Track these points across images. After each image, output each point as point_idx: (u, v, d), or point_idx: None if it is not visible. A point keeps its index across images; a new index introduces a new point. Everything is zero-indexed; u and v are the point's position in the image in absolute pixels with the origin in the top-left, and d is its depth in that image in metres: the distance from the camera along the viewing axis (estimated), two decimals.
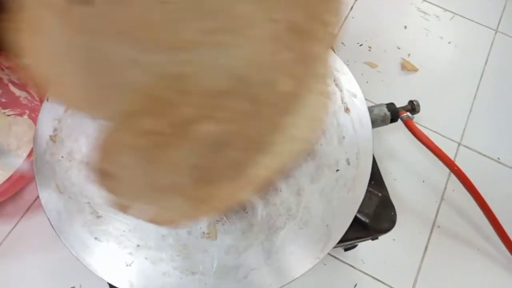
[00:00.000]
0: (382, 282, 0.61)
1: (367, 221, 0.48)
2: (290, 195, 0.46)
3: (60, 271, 0.58)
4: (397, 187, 0.68)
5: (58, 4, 0.23)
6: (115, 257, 0.42)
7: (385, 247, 0.62)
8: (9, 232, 0.60)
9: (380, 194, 0.50)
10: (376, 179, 0.51)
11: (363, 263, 0.62)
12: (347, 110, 0.51)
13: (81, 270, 0.42)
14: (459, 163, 0.59)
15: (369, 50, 0.82)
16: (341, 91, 0.52)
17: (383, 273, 0.62)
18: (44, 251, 0.59)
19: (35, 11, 0.24)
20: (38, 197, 0.46)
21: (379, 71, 0.80)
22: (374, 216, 0.48)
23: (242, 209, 0.45)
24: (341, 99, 0.52)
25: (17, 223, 0.60)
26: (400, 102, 0.65)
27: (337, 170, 0.48)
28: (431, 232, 0.66)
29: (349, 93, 0.52)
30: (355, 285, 0.61)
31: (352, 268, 0.62)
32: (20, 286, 0.58)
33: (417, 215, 0.67)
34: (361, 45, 0.82)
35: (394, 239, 0.64)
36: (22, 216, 0.61)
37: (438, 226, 0.66)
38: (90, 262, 0.42)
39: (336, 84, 0.52)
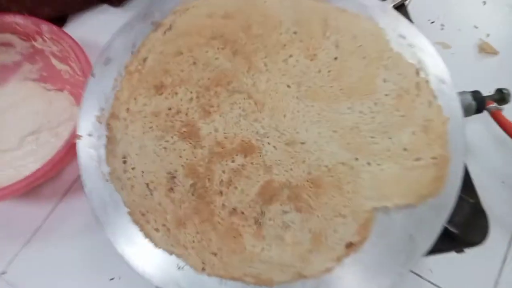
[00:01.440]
0: None
1: (456, 231, 0.40)
2: None
3: (99, 260, 0.55)
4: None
5: None
6: (165, 258, 0.37)
7: (457, 256, 0.54)
8: (47, 216, 0.57)
9: (471, 201, 0.42)
10: (465, 182, 0.43)
11: (431, 272, 0.55)
12: (434, 97, 0.43)
13: (122, 261, 0.37)
14: None
15: (442, 29, 0.71)
16: (427, 75, 0.44)
17: (454, 285, 0.54)
18: (84, 237, 0.56)
19: None
20: (78, 178, 0.42)
21: (452, 53, 0.70)
22: (465, 226, 0.41)
23: None
24: (427, 85, 0.43)
25: (55, 206, 0.57)
26: (479, 90, 0.56)
27: None
28: (511, 240, 0.57)
29: (436, 78, 0.44)
30: None
31: (418, 278, 0.55)
32: (57, 273, 0.55)
33: (495, 220, 0.58)
34: (432, 22, 0.72)
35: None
36: (61, 199, 0.58)
37: None
38: (138, 262, 0.37)
39: (421, 67, 0.44)
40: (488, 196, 0.60)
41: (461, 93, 0.53)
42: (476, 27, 0.72)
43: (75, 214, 0.57)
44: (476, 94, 0.53)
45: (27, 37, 0.55)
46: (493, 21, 0.72)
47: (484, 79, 0.67)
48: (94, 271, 0.55)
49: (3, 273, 0.56)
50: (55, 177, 0.58)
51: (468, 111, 0.52)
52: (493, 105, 0.53)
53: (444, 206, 0.39)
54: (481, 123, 0.63)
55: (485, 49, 0.70)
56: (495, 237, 0.58)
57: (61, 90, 0.60)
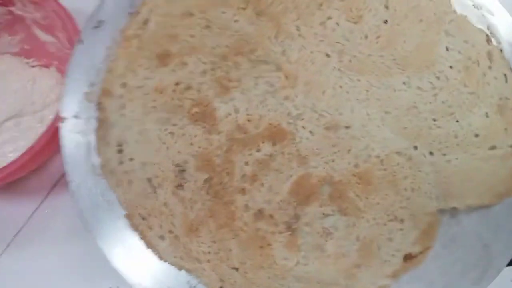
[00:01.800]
0: None
1: None
2: None
3: (93, 266, 0.47)
4: None
5: None
6: (173, 273, 0.30)
7: None
8: (31, 215, 0.50)
9: None
10: None
11: None
12: (511, 70, 0.35)
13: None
14: None
15: None
16: (499, 43, 0.36)
17: None
18: (74, 241, 0.49)
19: None
20: None
21: None
22: None
23: None
24: (501, 55, 0.35)
25: (39, 204, 0.50)
26: None
27: None
28: None
29: (511, 46, 0.36)
30: None
31: None
32: (42, 281, 0.48)
33: None
34: None
35: None
36: (47, 195, 0.51)
37: None
38: (139, 280, 0.30)
39: (491, 33, 0.36)
40: None
41: None
42: None
43: (63, 213, 0.50)
44: None
45: (2, 1, 0.47)
46: None
47: None
48: (87, 279, 0.48)
49: None
50: (39, 169, 0.51)
51: None
52: None
53: None
54: None
55: None
56: None
57: (47, 66, 0.53)
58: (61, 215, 0.50)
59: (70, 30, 0.44)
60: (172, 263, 0.30)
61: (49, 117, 0.50)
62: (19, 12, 0.49)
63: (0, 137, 0.49)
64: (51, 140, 0.41)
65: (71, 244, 0.49)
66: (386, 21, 0.36)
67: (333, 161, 0.32)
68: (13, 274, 0.48)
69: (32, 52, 0.52)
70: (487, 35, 0.36)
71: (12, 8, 0.48)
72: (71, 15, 0.46)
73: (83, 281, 0.48)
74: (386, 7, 0.36)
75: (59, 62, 0.52)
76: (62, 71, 0.52)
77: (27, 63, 0.52)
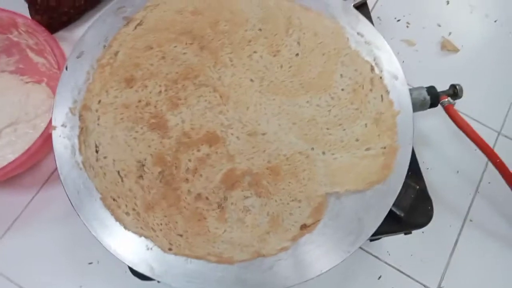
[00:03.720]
0: (408, 276, 0.59)
1: (402, 215, 0.44)
2: None
3: (78, 245, 0.57)
4: (430, 177, 0.64)
5: None
6: (135, 239, 0.40)
7: (412, 239, 0.58)
8: (27, 205, 0.59)
9: (417, 187, 0.46)
10: (413, 169, 0.47)
11: (389, 254, 0.60)
12: (386, 92, 0.46)
13: (100, 246, 0.40)
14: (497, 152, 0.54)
15: (407, 27, 0.75)
16: (381, 71, 0.47)
17: (409, 267, 0.59)
18: (63, 224, 0.59)
19: None
20: (56, 169, 0.44)
21: (416, 50, 0.74)
22: (410, 210, 0.45)
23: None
24: (380, 81, 0.47)
25: (34, 195, 0.59)
26: (438, 85, 0.60)
27: None
28: (462, 226, 0.62)
29: (390, 74, 0.48)
30: (379, 277, 0.58)
31: (376, 260, 0.59)
32: (37, 259, 0.57)
33: (449, 207, 0.63)
34: (398, 20, 0.76)
35: (423, 232, 0.59)
36: (40, 188, 0.60)
37: (471, 220, 0.63)
38: (110, 243, 0.40)
39: (376, 63, 0.48)
40: (444, 184, 0.65)
41: (417, 88, 0.57)
42: (439, 25, 0.76)
43: (54, 202, 0.59)
44: (431, 90, 0.57)
45: (2, 30, 0.56)
46: (455, 20, 0.77)
47: (445, 75, 0.72)
48: (74, 256, 0.58)
49: None
50: (35, 167, 0.60)
51: (423, 105, 0.56)
52: (446, 99, 0.57)
53: (391, 191, 0.43)
54: (440, 116, 0.67)
55: (446, 47, 0.74)
56: (448, 221, 0.63)
57: (38, 82, 0.61)
58: (52, 204, 0.59)
59: (57, 54, 0.54)
60: (134, 232, 0.40)
61: (41, 125, 0.59)
62: (16, 39, 0.57)
63: (0, 141, 0.57)
64: (43, 144, 0.50)
65: (60, 227, 0.58)
66: (297, 54, 0.47)
67: (252, 158, 0.42)
68: (14, 253, 0.57)
69: (26, 70, 0.61)
70: (371, 66, 0.47)
71: (10, 36, 0.57)
72: (58, 42, 0.56)
73: (69, 257, 0.57)
74: (298, 43, 0.47)
75: (48, 79, 0.61)
76: (51, 87, 0.61)
77: (22, 79, 0.61)
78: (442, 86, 0.61)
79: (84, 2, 0.62)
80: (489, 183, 0.65)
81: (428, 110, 0.60)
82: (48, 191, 0.60)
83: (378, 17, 0.75)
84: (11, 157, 0.55)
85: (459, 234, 0.62)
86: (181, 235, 0.41)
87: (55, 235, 0.58)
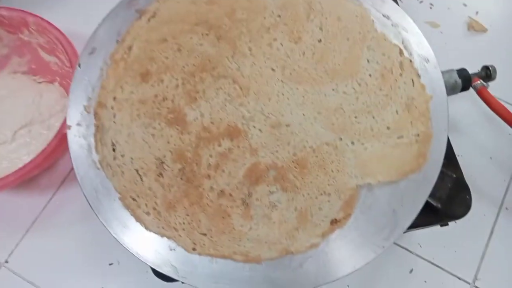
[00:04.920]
0: (441, 268, 0.56)
1: (439, 206, 0.42)
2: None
3: (98, 246, 0.56)
4: (462, 164, 0.60)
5: None
6: (157, 240, 0.39)
7: (445, 230, 0.55)
8: (45, 206, 0.58)
9: (454, 176, 0.43)
10: (449, 157, 0.44)
11: (420, 246, 0.57)
12: (417, 76, 0.43)
13: (120, 246, 0.39)
14: None
15: (431, 8, 0.72)
16: (410, 54, 0.44)
17: (442, 259, 0.56)
18: (82, 225, 0.58)
19: None
20: (73, 169, 0.43)
21: (441, 32, 0.70)
22: (447, 200, 0.42)
23: None
24: (410, 64, 0.44)
25: (52, 196, 0.58)
26: (467, 67, 0.56)
27: None
28: (498, 215, 0.59)
29: (420, 57, 0.45)
30: (411, 271, 0.56)
31: (407, 252, 0.57)
32: (58, 260, 0.56)
33: (483, 195, 0.60)
34: (421, 2, 0.72)
35: (456, 222, 0.57)
36: (57, 189, 0.59)
37: (506, 208, 0.59)
38: (131, 244, 0.39)
39: (405, 46, 0.45)
40: (477, 171, 0.61)
41: (447, 72, 0.53)
42: (465, 5, 0.72)
43: (72, 202, 0.58)
44: (462, 72, 0.53)
45: (13, 29, 0.55)
46: None
47: (473, 57, 0.68)
48: (93, 257, 0.57)
49: (6, 262, 0.57)
50: (51, 167, 0.59)
51: (454, 89, 0.53)
52: (479, 82, 0.54)
53: (427, 181, 0.40)
54: (469, 100, 0.64)
55: (474, 27, 0.70)
56: (482, 210, 0.59)
57: (51, 82, 0.61)
58: (70, 205, 0.59)
59: (68, 52, 0.53)
60: (156, 232, 0.38)
61: (55, 125, 0.58)
62: (27, 38, 0.57)
63: (15, 143, 0.57)
64: (59, 144, 0.49)
65: (78, 228, 0.57)
66: (320, 40, 0.44)
67: (277, 151, 0.40)
68: (33, 255, 0.57)
69: (38, 70, 0.60)
70: (400, 49, 0.44)
71: (21, 35, 0.56)
72: (69, 39, 0.54)
73: (88, 258, 0.57)
74: (321, 28, 0.45)
75: (61, 78, 0.60)
76: (64, 86, 0.60)
77: (35, 80, 0.60)
78: (471, 69, 0.58)
79: None
80: None
81: (457, 94, 0.56)
82: (66, 191, 0.59)
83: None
84: (26, 158, 0.54)
85: (495, 223, 0.59)
86: (205, 234, 0.39)
87: (74, 236, 0.57)
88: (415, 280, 0.55)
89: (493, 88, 0.65)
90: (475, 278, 0.56)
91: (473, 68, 0.58)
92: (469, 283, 0.55)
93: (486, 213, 0.59)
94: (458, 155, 0.62)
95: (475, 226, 0.58)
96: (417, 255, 0.57)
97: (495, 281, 0.55)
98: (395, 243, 0.57)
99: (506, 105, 0.65)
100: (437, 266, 0.56)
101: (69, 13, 0.69)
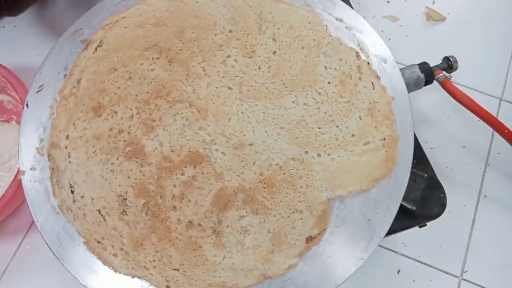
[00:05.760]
0: (428, 265, 0.55)
1: (414, 208, 0.41)
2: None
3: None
4: (435, 156, 0.60)
5: None
6: (128, 281, 0.37)
7: (427, 226, 0.55)
8: (15, 251, 0.55)
9: (426, 175, 0.42)
10: (418, 156, 0.44)
11: (405, 246, 0.56)
12: (377, 78, 0.43)
13: None
14: (502, 120, 0.51)
15: (388, 2, 0.71)
16: (368, 56, 0.44)
17: (428, 255, 0.56)
18: (55, 270, 0.55)
19: None
20: None
21: (401, 25, 0.70)
22: (421, 201, 0.41)
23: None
24: (368, 67, 0.43)
25: (22, 240, 0.55)
26: (430, 59, 0.56)
27: None
28: (477, 203, 0.59)
29: (378, 58, 0.44)
30: (398, 271, 0.55)
31: (393, 253, 0.56)
32: None
33: (460, 185, 0.59)
34: None
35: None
36: (26, 233, 0.56)
37: (485, 196, 0.59)
38: (95, 285, 0.37)
39: (361, 49, 0.44)
40: (452, 162, 0.61)
41: (408, 67, 0.53)
42: None
43: (43, 247, 0.55)
44: (423, 66, 0.53)
45: None
46: None
47: (435, 47, 0.68)
48: None
49: None
50: (17, 211, 0.56)
51: (418, 84, 0.52)
52: (442, 74, 0.53)
53: (398, 185, 0.39)
54: (436, 92, 0.63)
55: (432, 17, 0.70)
56: (462, 201, 0.59)
57: (8, 121, 0.58)
58: (41, 249, 0.55)
59: (18, 90, 0.51)
60: (126, 274, 0.36)
61: (17, 166, 0.55)
62: None
63: None
64: (19, 188, 0.47)
65: (52, 274, 0.54)
66: (275, 52, 0.43)
67: (242, 173, 0.39)
68: None
69: None
70: (356, 52, 0.43)
71: None
72: (18, 76, 0.52)
73: None
74: (274, 39, 0.44)
75: (17, 116, 0.57)
76: None
77: None
78: (434, 60, 0.57)
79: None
80: (498, 153, 0.61)
81: (423, 87, 0.56)
82: (35, 234, 0.56)
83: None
84: None
85: (475, 212, 0.58)
86: (177, 269, 0.37)
87: (47, 283, 0.54)
88: (403, 280, 0.55)
89: (460, 76, 0.65)
90: (463, 271, 0.55)
91: (437, 58, 0.57)
92: (457, 277, 0.55)
93: (466, 203, 0.59)
94: (432, 148, 0.62)
95: (457, 218, 0.58)
96: (403, 255, 0.56)
97: (483, 271, 0.55)
98: (379, 246, 0.56)
99: (472, 91, 0.65)
100: (423, 263, 0.55)
101: (18, 48, 0.66)
